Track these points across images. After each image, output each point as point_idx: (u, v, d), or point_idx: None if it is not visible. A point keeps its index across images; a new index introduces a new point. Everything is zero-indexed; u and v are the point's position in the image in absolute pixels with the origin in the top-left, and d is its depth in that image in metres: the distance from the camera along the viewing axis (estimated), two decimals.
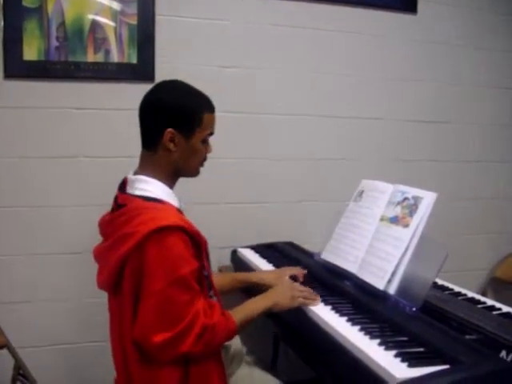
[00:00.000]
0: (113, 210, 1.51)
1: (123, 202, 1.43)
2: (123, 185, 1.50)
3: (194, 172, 1.53)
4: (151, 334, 1.29)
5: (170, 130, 1.41)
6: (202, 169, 1.54)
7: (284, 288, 1.61)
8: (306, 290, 1.59)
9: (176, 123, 1.42)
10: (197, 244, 1.39)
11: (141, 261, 1.30)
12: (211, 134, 1.50)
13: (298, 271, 1.81)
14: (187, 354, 1.32)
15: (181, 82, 1.50)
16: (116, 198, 1.51)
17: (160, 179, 1.45)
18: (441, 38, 2.66)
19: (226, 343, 1.55)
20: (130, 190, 1.45)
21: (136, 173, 1.48)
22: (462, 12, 2.68)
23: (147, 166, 1.47)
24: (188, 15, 2.26)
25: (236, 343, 1.74)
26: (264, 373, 1.67)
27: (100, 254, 1.46)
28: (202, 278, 1.40)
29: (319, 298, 1.58)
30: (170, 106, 1.43)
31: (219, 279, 1.78)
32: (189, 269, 1.32)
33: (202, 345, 1.32)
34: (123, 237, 1.33)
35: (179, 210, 1.46)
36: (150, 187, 1.43)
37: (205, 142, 1.48)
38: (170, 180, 1.48)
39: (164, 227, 1.30)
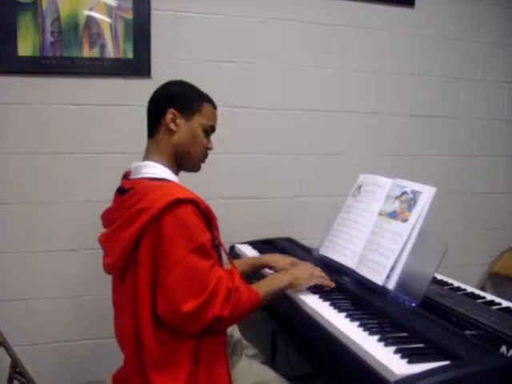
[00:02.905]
0: (115, 201, 1.53)
1: (131, 186, 1.46)
2: (127, 175, 1.54)
3: (194, 162, 1.57)
4: (180, 304, 1.30)
5: (171, 110, 1.51)
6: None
7: (304, 266, 1.68)
8: (323, 274, 1.65)
9: (177, 105, 1.52)
10: (207, 218, 1.43)
11: (158, 234, 1.33)
12: (212, 128, 1.58)
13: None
14: (216, 319, 1.33)
15: (187, 81, 1.60)
16: (120, 188, 1.53)
17: (163, 163, 1.50)
18: (438, 32, 2.65)
19: (228, 334, 1.56)
20: (136, 175, 1.49)
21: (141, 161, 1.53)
22: (460, 4, 2.67)
23: (151, 151, 1.54)
24: (184, 9, 2.24)
25: (236, 336, 1.75)
26: (264, 366, 1.67)
27: (108, 238, 1.46)
28: (215, 251, 1.43)
29: (333, 284, 1.63)
30: (173, 91, 1.56)
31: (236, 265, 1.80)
32: (206, 237, 1.37)
33: (229, 308, 1.34)
34: (136, 213, 1.35)
35: None
36: (156, 170, 1.48)
37: (206, 133, 1.56)
38: (173, 168, 1.53)
39: (178, 200, 1.34)
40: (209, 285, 1.32)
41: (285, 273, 1.62)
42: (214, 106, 1.59)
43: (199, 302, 1.31)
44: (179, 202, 1.34)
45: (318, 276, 1.62)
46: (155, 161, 1.50)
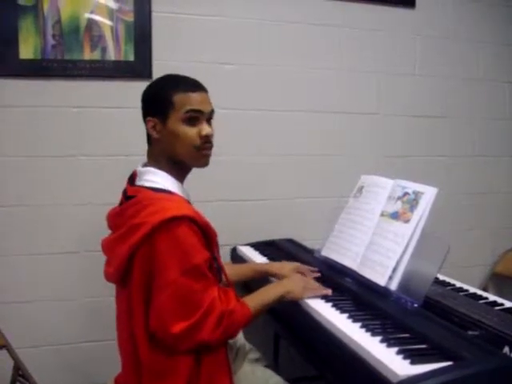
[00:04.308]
0: (121, 203, 1.51)
1: (133, 193, 1.44)
2: (132, 177, 1.52)
3: (190, 159, 1.46)
4: (169, 324, 1.30)
5: (148, 118, 1.46)
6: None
7: (297, 278, 1.64)
8: (317, 285, 1.62)
9: (151, 111, 1.47)
10: (206, 235, 1.39)
11: (151, 251, 1.31)
12: (194, 111, 1.43)
13: (311, 271, 1.79)
14: (206, 342, 1.33)
15: (165, 74, 1.54)
16: (125, 191, 1.51)
17: (166, 171, 1.46)
18: (439, 32, 2.64)
19: (230, 340, 1.55)
20: (139, 182, 1.47)
21: (145, 165, 1.51)
22: (460, 5, 2.67)
23: (150, 159, 1.51)
24: (185, 11, 2.24)
25: (240, 341, 1.75)
26: (267, 370, 1.67)
27: (109, 246, 1.46)
28: (213, 269, 1.41)
29: (330, 291, 1.60)
30: (144, 97, 1.51)
31: (236, 269, 1.80)
32: (201, 257, 1.34)
33: (220, 332, 1.33)
34: (133, 227, 1.34)
35: (188, 202, 1.46)
36: (159, 178, 1.45)
37: (189, 122, 1.43)
38: (175, 172, 1.48)
39: (174, 217, 1.30)
40: (200, 307, 1.31)
41: (278, 285, 1.59)
42: (188, 89, 1.44)
43: (189, 324, 1.30)
44: (175, 220, 1.30)
45: (312, 288, 1.58)
46: (157, 167, 1.46)
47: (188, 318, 1.30)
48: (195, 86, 1.47)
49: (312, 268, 1.79)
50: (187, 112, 1.42)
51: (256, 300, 1.47)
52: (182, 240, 1.31)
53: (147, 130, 1.47)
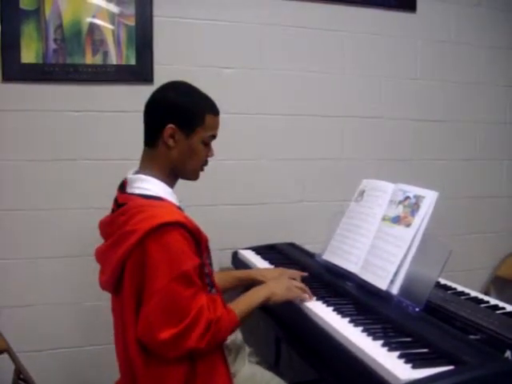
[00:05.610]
0: (113, 210, 1.51)
1: (123, 201, 1.44)
2: (123, 185, 1.51)
3: (191, 174, 1.53)
4: (156, 331, 1.29)
5: (170, 125, 1.43)
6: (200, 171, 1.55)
7: (280, 280, 1.64)
8: (302, 286, 1.61)
9: (177, 119, 1.44)
10: (197, 240, 1.39)
11: (142, 258, 1.31)
12: (214, 136, 1.52)
13: (299, 274, 1.78)
14: (193, 350, 1.32)
15: (187, 83, 1.53)
16: (116, 199, 1.51)
17: (158, 177, 1.45)
18: (440, 36, 2.65)
19: (228, 342, 1.56)
20: (129, 190, 1.46)
21: (136, 172, 1.49)
22: (461, 9, 2.67)
23: (147, 163, 1.49)
24: (186, 16, 2.25)
25: (239, 342, 1.74)
26: (267, 372, 1.67)
27: (101, 255, 1.46)
28: (203, 275, 1.41)
29: (313, 297, 1.59)
30: (173, 103, 1.46)
31: (220, 278, 1.78)
32: (191, 264, 1.33)
33: (207, 340, 1.32)
34: (124, 235, 1.34)
35: (179, 208, 1.46)
36: (149, 185, 1.44)
37: (206, 144, 1.50)
38: (169, 179, 1.48)
39: (164, 224, 1.30)
40: (188, 315, 1.30)
41: (262, 287, 1.58)
42: (217, 113, 1.51)
43: (176, 332, 1.29)
44: (165, 226, 1.30)
45: (296, 290, 1.57)
46: (149, 174, 1.45)
47: (175, 325, 1.29)
48: (218, 111, 1.53)
49: (299, 272, 1.78)
50: (211, 136, 1.50)
51: (242, 304, 1.47)
52: (172, 246, 1.31)
53: (162, 134, 1.44)
